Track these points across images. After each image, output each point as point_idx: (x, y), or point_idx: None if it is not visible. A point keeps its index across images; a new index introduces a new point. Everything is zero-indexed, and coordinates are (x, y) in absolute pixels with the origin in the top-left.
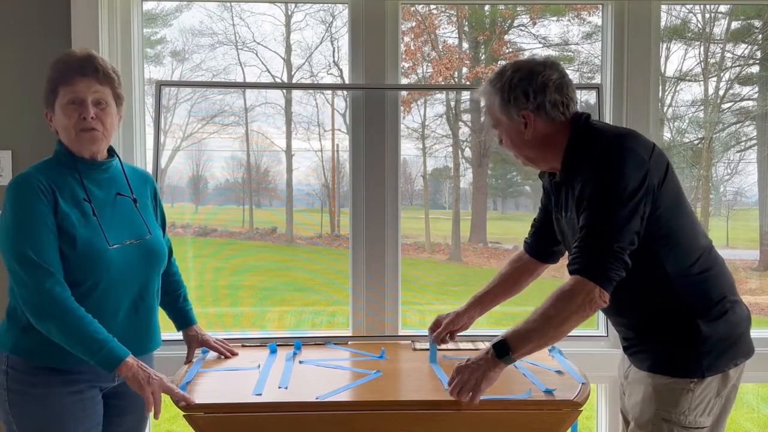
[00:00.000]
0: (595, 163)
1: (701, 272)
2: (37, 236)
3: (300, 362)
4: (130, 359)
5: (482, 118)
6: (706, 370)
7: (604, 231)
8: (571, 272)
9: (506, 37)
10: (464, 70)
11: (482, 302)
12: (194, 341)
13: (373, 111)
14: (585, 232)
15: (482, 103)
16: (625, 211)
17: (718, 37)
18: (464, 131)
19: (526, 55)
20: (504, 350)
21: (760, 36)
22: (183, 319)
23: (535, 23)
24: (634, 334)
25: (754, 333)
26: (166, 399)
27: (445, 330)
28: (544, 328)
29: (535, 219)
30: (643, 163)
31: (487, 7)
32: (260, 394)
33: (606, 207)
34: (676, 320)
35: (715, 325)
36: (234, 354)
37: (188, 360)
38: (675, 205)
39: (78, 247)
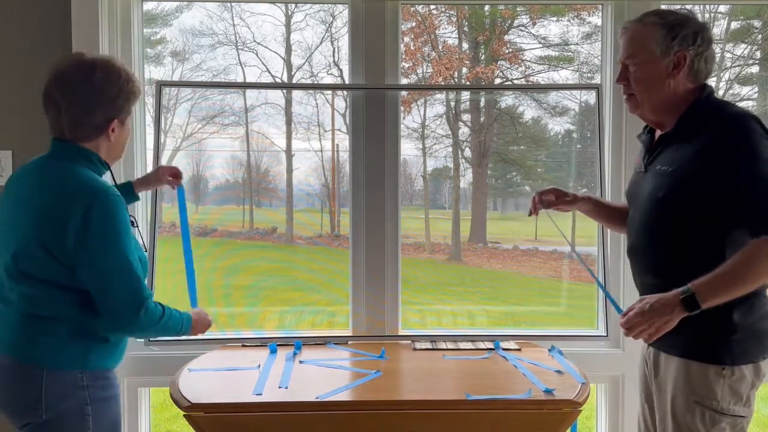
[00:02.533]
0: (729, 130)
1: None
2: (132, 249)
3: (300, 362)
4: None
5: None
6: (738, 358)
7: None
8: (752, 234)
9: (506, 38)
10: (464, 70)
11: (598, 204)
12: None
13: (373, 111)
14: (754, 197)
15: (627, 31)
16: None
17: (718, 37)
18: (464, 131)
19: (527, 55)
20: (694, 304)
21: (760, 36)
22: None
23: (535, 23)
24: None
25: None
26: (166, 399)
27: (556, 194)
28: (741, 284)
29: None
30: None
31: (487, 8)
32: (260, 394)
33: (764, 165)
34: (720, 307)
35: (748, 315)
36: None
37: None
38: None
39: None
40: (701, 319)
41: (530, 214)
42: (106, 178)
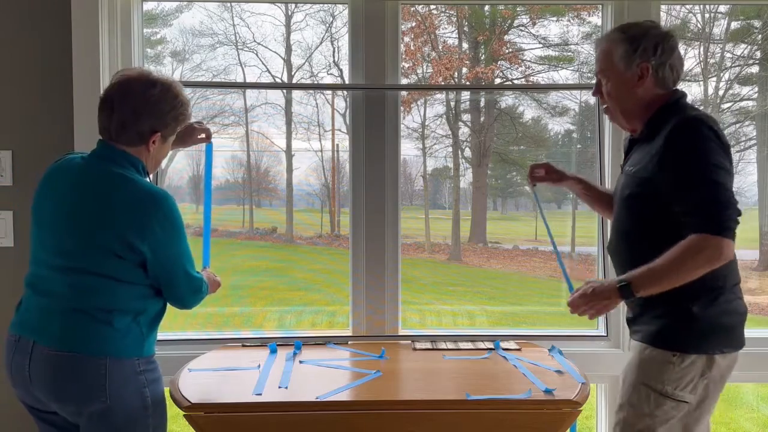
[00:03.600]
0: (679, 133)
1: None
2: (187, 242)
3: (300, 362)
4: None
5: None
6: (690, 348)
7: (715, 184)
8: (692, 228)
9: (506, 38)
10: (464, 70)
11: (588, 187)
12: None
13: (373, 111)
14: (697, 196)
15: (597, 48)
16: (722, 168)
17: (718, 37)
18: (464, 131)
19: (527, 55)
20: (628, 292)
21: (760, 36)
22: None
23: (534, 23)
24: (639, 309)
25: (754, 333)
26: (167, 399)
27: (546, 169)
28: (669, 278)
29: None
30: (724, 140)
31: (487, 8)
32: (260, 394)
33: (707, 165)
34: (672, 298)
35: (708, 308)
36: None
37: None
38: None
39: None
40: (664, 308)
41: (529, 185)
42: None
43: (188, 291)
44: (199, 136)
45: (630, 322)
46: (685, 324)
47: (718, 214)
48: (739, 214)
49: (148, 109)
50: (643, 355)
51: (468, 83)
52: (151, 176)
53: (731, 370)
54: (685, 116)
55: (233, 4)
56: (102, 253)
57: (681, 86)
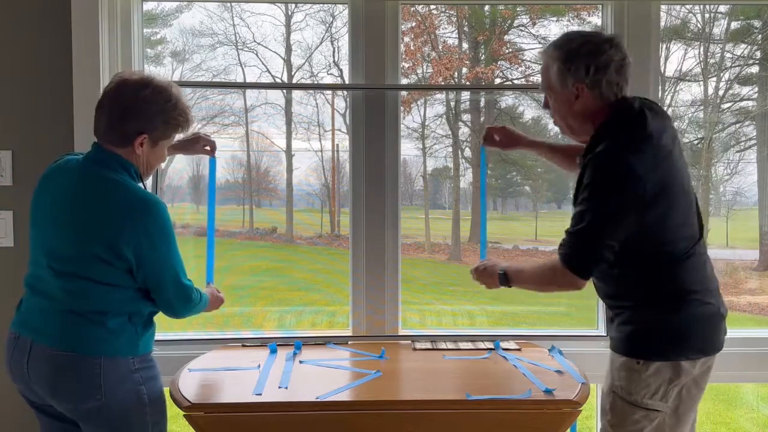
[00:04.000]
0: (600, 160)
1: (669, 271)
2: (177, 248)
3: (300, 362)
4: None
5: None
6: (653, 355)
7: (593, 225)
8: (559, 255)
9: (506, 38)
10: (464, 70)
11: (553, 148)
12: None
13: (373, 111)
14: (576, 221)
15: (541, 62)
16: (612, 210)
17: (718, 38)
18: (464, 131)
19: (527, 55)
20: (505, 281)
21: (760, 36)
22: None
23: (535, 23)
24: (610, 316)
25: (754, 333)
26: (167, 399)
27: (502, 134)
28: (531, 286)
29: None
30: (636, 178)
31: (487, 8)
32: (260, 394)
33: (598, 202)
34: (636, 306)
35: (670, 317)
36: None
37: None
38: (663, 216)
39: None
40: (629, 315)
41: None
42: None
43: (177, 298)
44: (204, 146)
45: (607, 329)
46: (649, 331)
47: (579, 256)
48: (603, 260)
49: (135, 110)
50: (613, 364)
51: (468, 83)
52: (148, 181)
53: (708, 375)
54: (599, 150)
55: (233, 4)
56: (90, 259)
57: (682, 86)
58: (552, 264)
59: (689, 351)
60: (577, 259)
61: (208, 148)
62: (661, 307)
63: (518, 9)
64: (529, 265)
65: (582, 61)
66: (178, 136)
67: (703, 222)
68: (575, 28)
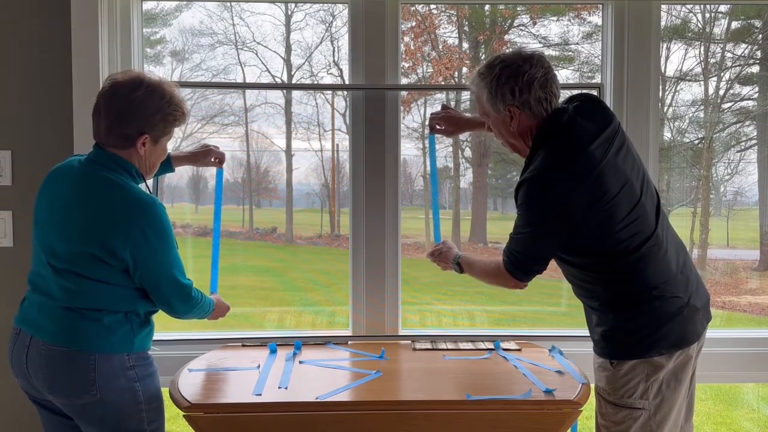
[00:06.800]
0: (528, 185)
1: (623, 271)
2: (176, 248)
3: (300, 362)
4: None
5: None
6: (623, 354)
7: (525, 245)
8: (503, 263)
9: (506, 37)
10: (464, 70)
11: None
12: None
13: (373, 111)
14: (513, 231)
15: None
16: (541, 232)
17: (718, 37)
18: None
19: None
20: (459, 270)
21: (760, 36)
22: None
23: (535, 23)
24: (587, 321)
25: (754, 333)
26: (166, 399)
27: (445, 120)
28: (479, 279)
29: None
30: (561, 203)
31: (487, 7)
32: (260, 394)
33: (528, 225)
34: (603, 308)
35: (635, 315)
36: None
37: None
38: (600, 224)
39: None
40: (599, 318)
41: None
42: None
43: (176, 297)
44: (212, 159)
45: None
46: (616, 331)
47: (513, 265)
48: (536, 271)
49: (132, 112)
50: (594, 365)
51: (468, 83)
52: (149, 180)
53: (687, 368)
54: (527, 177)
55: (233, 3)
56: (87, 258)
57: (682, 86)
58: (497, 264)
59: (660, 347)
60: (513, 267)
61: (216, 160)
62: (623, 306)
63: (518, 8)
64: (479, 260)
65: (506, 86)
66: (178, 132)
67: (662, 211)
68: (576, 27)
